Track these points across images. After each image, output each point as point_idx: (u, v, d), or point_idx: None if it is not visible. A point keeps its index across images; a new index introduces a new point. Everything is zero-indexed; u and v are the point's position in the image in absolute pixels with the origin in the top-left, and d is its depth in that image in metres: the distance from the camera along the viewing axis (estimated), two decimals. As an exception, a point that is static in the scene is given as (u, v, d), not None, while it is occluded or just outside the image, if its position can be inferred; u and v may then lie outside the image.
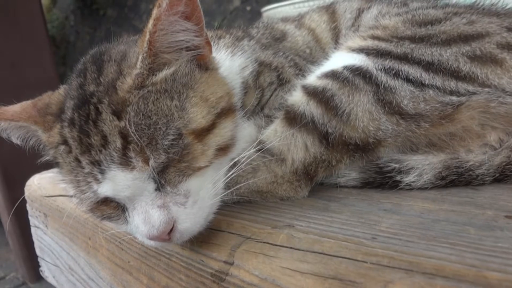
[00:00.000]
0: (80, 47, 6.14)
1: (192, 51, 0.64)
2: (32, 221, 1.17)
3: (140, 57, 0.59)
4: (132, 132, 0.54)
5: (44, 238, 1.13)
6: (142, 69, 0.59)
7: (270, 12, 2.59)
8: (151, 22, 0.56)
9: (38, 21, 2.94)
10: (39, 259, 1.22)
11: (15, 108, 0.71)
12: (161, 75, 0.60)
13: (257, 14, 3.73)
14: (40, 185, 1.11)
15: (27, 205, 1.18)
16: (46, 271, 1.19)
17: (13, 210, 2.88)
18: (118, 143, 0.55)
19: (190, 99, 0.61)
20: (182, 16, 0.59)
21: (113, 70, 0.62)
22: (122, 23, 5.30)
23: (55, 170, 1.16)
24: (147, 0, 4.90)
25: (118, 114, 0.57)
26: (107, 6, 5.45)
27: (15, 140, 0.72)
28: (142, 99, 0.58)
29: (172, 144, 0.56)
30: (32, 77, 2.82)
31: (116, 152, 0.55)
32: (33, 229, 1.19)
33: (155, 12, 0.55)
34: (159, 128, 0.56)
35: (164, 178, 0.57)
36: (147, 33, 0.57)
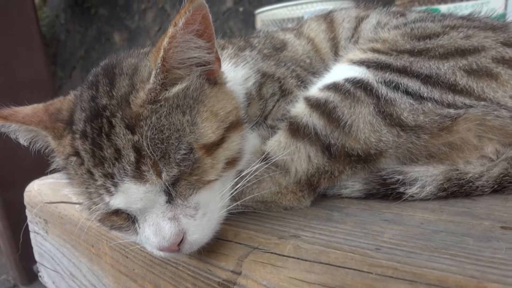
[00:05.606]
0: (70, 46, 6.06)
1: (203, 67, 0.65)
2: (32, 227, 1.17)
3: (153, 73, 0.59)
4: (146, 146, 0.55)
5: (44, 244, 1.13)
6: (155, 84, 0.59)
7: (264, 14, 2.60)
8: (166, 40, 0.57)
9: (31, 21, 2.91)
10: (38, 265, 1.21)
11: (26, 110, 0.70)
12: (174, 90, 0.61)
13: (250, 15, 3.73)
14: (40, 191, 1.11)
15: (27, 211, 1.17)
16: (46, 276, 1.18)
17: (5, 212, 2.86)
18: (132, 156, 0.56)
19: (201, 114, 0.62)
20: (196, 34, 0.60)
21: (125, 84, 0.62)
22: (113, 22, 5.25)
23: (55, 176, 1.17)
24: (139, -1, 4.87)
25: (131, 128, 0.57)
26: (98, 4, 5.39)
27: (23, 141, 0.72)
28: (155, 113, 0.58)
29: (183, 158, 0.57)
30: (25, 77, 2.80)
31: (129, 166, 0.56)
32: (32, 235, 1.18)
33: (170, 30, 0.56)
34: (172, 142, 0.57)
35: (175, 190, 0.58)
36: (162, 50, 0.57)
